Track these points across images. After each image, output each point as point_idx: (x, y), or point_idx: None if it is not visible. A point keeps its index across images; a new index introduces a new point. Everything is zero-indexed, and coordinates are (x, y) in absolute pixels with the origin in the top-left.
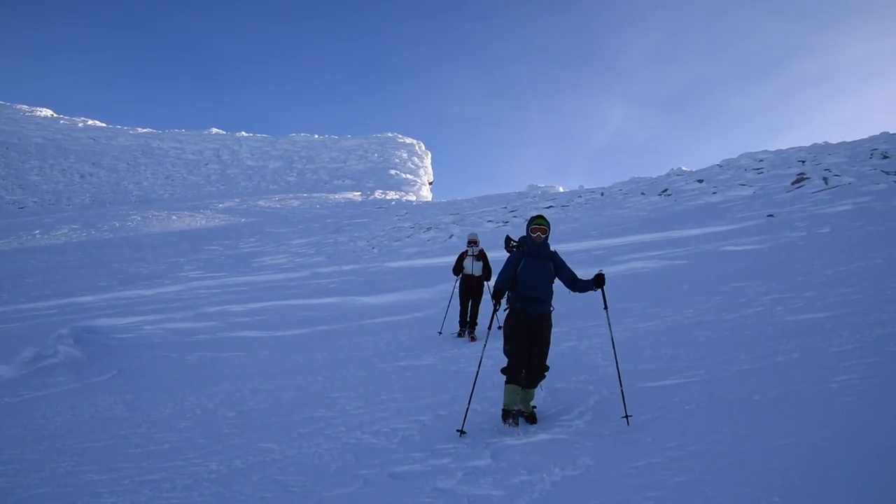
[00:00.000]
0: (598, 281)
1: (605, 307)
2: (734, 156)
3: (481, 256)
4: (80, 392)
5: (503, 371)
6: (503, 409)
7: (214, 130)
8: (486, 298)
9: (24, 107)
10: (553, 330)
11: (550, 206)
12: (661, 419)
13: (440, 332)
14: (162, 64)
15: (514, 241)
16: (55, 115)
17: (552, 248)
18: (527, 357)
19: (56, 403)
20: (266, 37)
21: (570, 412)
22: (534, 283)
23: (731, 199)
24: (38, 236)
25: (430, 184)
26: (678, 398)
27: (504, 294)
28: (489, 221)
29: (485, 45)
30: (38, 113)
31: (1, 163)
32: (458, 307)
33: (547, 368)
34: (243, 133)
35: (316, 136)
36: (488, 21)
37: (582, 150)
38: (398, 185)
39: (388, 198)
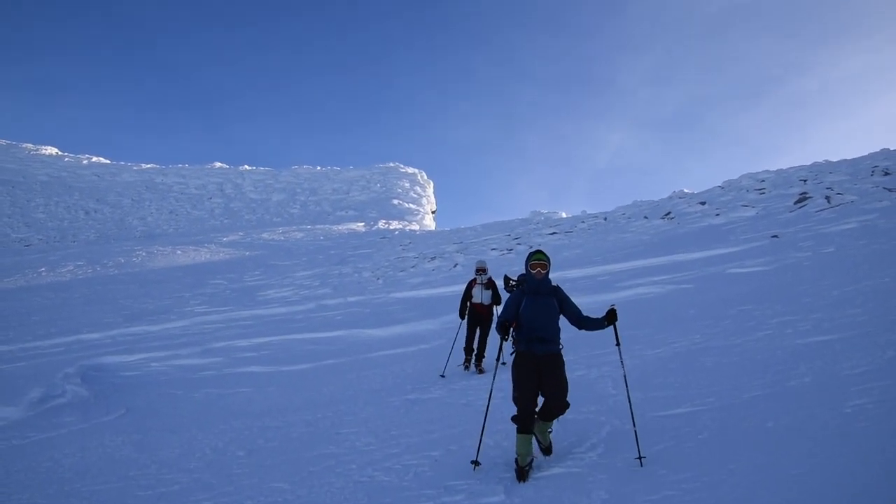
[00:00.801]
0: (611, 317)
1: (618, 343)
2: (735, 176)
3: (490, 285)
4: (88, 433)
5: (513, 420)
6: (517, 466)
7: (217, 164)
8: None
9: (30, 145)
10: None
11: (554, 233)
12: (674, 449)
13: (443, 375)
14: (164, 100)
15: (514, 280)
16: (60, 152)
17: (554, 281)
18: (535, 402)
19: (64, 445)
20: (266, 69)
21: (583, 444)
22: (538, 323)
23: (734, 220)
24: (43, 273)
25: (433, 213)
26: (690, 427)
27: (510, 328)
28: (493, 249)
29: (482, 71)
30: (44, 151)
31: (7, 201)
32: (464, 342)
33: (567, 406)
34: (246, 166)
35: (318, 167)
36: (483, 47)
37: (582, 173)
38: (401, 214)
39: (391, 228)
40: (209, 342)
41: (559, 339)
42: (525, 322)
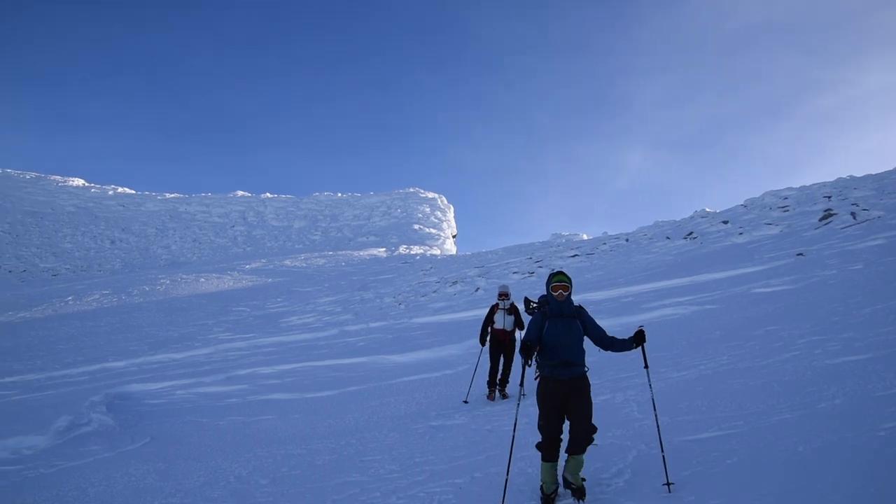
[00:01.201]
0: (639, 339)
1: (646, 366)
2: (757, 194)
3: (513, 310)
4: (113, 461)
5: (538, 447)
6: (543, 494)
7: (240, 193)
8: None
9: (58, 177)
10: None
11: (575, 255)
12: (703, 475)
13: (466, 401)
14: (187, 130)
15: (535, 302)
16: (86, 183)
17: (577, 302)
18: (561, 429)
19: (90, 474)
20: (283, 95)
21: (609, 470)
22: (562, 346)
23: (757, 239)
24: (70, 302)
25: (454, 237)
26: (718, 452)
27: (533, 350)
28: (515, 272)
29: (498, 95)
30: (71, 183)
31: (35, 232)
32: (487, 373)
33: (594, 430)
34: (268, 194)
35: (339, 194)
36: (499, 71)
37: (603, 195)
38: (422, 239)
39: (412, 253)
40: (233, 369)
41: (584, 361)
42: (549, 346)
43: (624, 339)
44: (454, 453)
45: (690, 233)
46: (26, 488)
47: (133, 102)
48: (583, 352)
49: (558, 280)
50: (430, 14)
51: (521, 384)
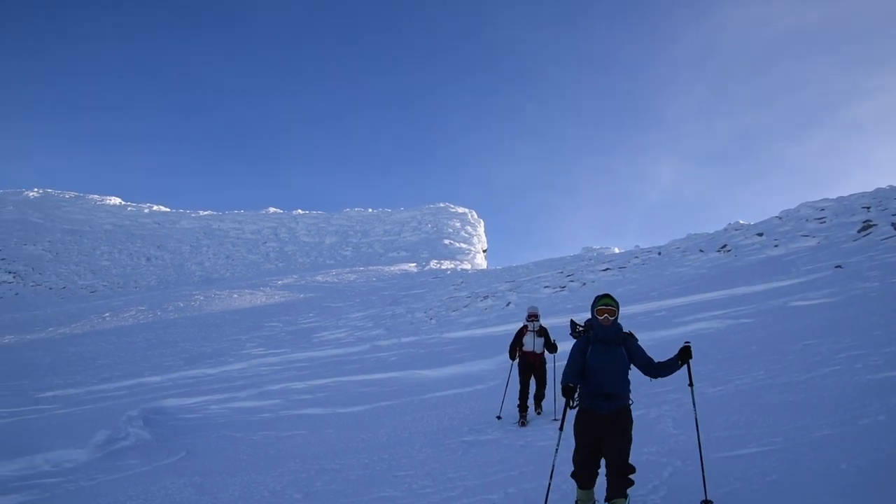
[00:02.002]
0: (685, 355)
1: (691, 384)
2: (793, 206)
3: (542, 332)
4: (150, 475)
5: (573, 477)
6: None
7: (272, 209)
8: (551, 369)
9: (95, 196)
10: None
11: (607, 269)
12: (742, 492)
13: (499, 417)
14: (220, 148)
15: (581, 326)
16: (123, 202)
17: (626, 328)
18: (597, 464)
19: (128, 487)
20: (314, 110)
21: (644, 487)
22: (605, 376)
23: (794, 251)
24: (107, 319)
25: (485, 251)
26: (757, 468)
27: (574, 391)
28: (546, 287)
29: (529, 108)
30: (108, 201)
31: (74, 250)
32: (518, 388)
33: (631, 470)
34: (299, 211)
35: (370, 209)
36: (530, 84)
37: (634, 208)
38: (453, 254)
39: (443, 267)
40: (266, 384)
41: (629, 393)
42: (590, 374)
43: (669, 360)
44: (487, 469)
45: (724, 245)
46: (67, 501)
47: (165, 117)
48: (627, 382)
49: (604, 304)
50: (460, 27)
51: (561, 427)
